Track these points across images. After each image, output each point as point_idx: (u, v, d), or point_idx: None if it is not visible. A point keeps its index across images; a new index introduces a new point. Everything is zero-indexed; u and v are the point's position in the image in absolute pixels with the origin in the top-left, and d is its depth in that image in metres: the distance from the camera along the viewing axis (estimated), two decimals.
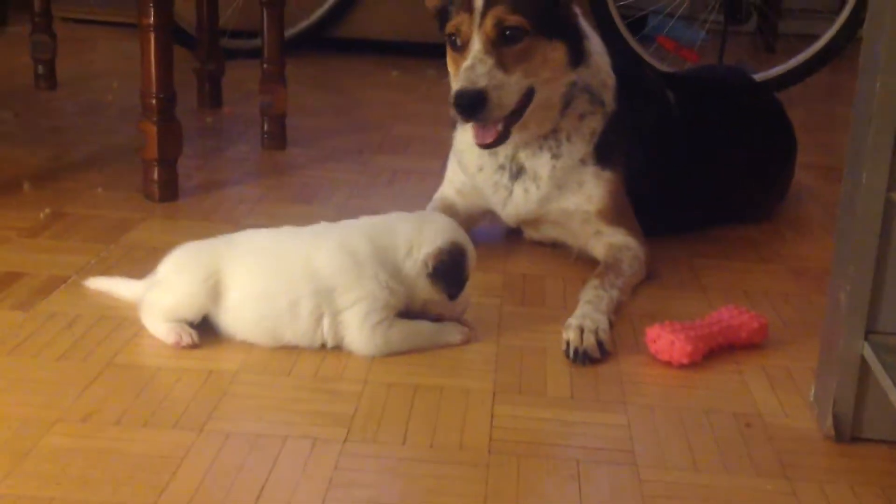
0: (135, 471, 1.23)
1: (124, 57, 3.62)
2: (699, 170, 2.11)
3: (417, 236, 1.57)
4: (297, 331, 1.54)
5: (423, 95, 3.52)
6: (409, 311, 1.59)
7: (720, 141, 2.17)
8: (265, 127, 2.70)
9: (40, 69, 3.24)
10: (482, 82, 1.75)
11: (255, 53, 2.78)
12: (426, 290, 1.57)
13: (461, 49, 1.81)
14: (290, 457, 1.27)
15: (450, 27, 1.83)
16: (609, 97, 1.94)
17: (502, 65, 1.77)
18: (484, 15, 1.78)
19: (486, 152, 1.93)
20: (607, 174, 1.93)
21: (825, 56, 3.50)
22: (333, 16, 4.08)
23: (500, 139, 1.81)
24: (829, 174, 2.67)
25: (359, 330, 1.53)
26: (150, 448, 1.28)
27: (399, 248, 1.56)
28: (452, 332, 1.60)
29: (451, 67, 1.86)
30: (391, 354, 1.55)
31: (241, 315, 1.55)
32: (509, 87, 1.78)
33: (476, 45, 1.77)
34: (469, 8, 1.79)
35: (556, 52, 1.83)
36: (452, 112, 1.79)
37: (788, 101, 2.54)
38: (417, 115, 3.20)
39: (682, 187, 2.08)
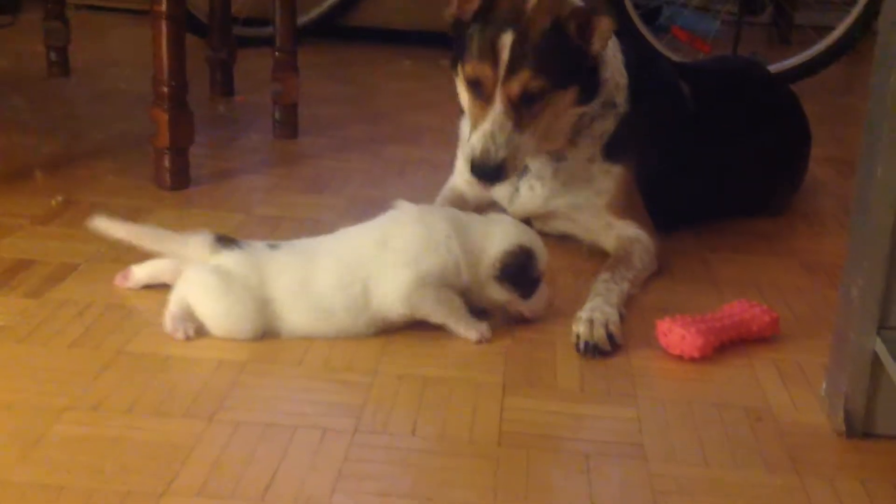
0: (145, 459, 1.23)
1: (137, 45, 3.61)
2: (712, 163, 2.10)
3: (485, 238, 1.59)
4: (364, 317, 1.55)
5: (436, 85, 3.51)
6: (480, 307, 1.62)
7: (733, 133, 2.16)
8: (277, 116, 2.70)
9: (53, 56, 3.24)
10: (501, 154, 1.75)
11: (268, 42, 2.78)
12: (497, 291, 1.59)
13: (479, 95, 1.79)
14: (300, 447, 1.28)
15: (469, 70, 1.80)
16: (622, 98, 1.93)
17: (519, 126, 1.76)
18: (509, 75, 1.75)
19: None
20: (617, 169, 1.92)
21: (840, 48, 3.48)
22: (346, 4, 4.07)
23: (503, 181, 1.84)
24: (844, 168, 2.65)
25: (403, 283, 1.53)
26: (161, 437, 1.28)
27: (476, 243, 1.59)
28: (473, 328, 1.59)
29: (462, 95, 1.86)
30: (415, 316, 1.56)
31: (316, 310, 1.55)
32: (524, 147, 1.79)
33: (498, 106, 1.75)
34: (494, 61, 1.76)
35: (568, 99, 1.83)
36: (467, 162, 1.80)
37: (803, 93, 2.53)
38: (429, 105, 3.19)
39: (695, 180, 2.07)
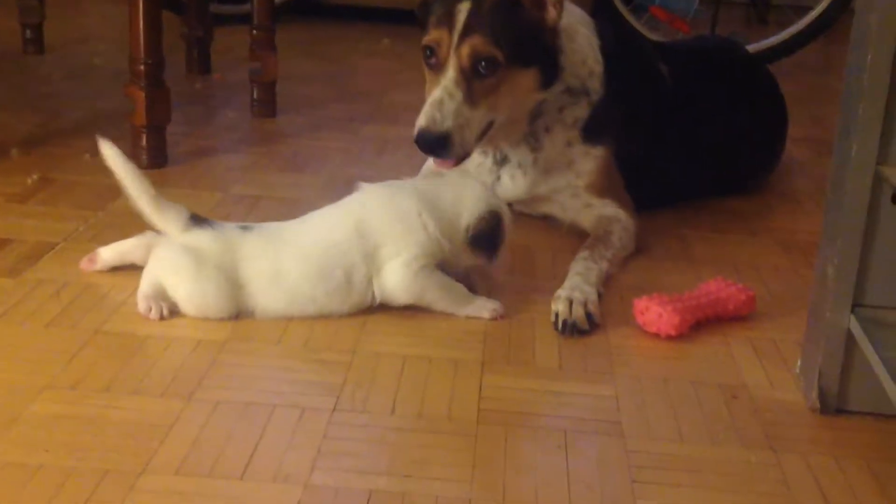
0: (123, 438, 1.23)
1: (113, 22, 3.59)
2: (690, 142, 2.11)
3: (456, 205, 1.60)
4: (353, 300, 1.56)
5: (415, 63, 3.49)
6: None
7: (711, 113, 2.17)
8: (255, 94, 2.69)
9: (28, 33, 3.21)
10: (447, 124, 1.72)
11: (245, 19, 2.76)
12: (468, 255, 1.61)
13: (434, 66, 1.78)
14: (279, 425, 1.28)
15: (427, 40, 1.79)
16: (595, 84, 1.92)
17: (470, 99, 1.74)
18: (462, 39, 1.74)
19: None
20: (596, 150, 1.92)
21: (818, 28, 3.49)
22: None
23: (460, 162, 1.80)
24: (820, 147, 2.67)
25: (401, 274, 1.55)
26: (139, 416, 1.28)
27: (447, 211, 1.59)
28: (484, 306, 1.60)
29: (426, 78, 1.83)
30: (421, 307, 1.57)
31: (294, 299, 1.54)
32: (473, 124, 1.76)
33: (450, 72, 1.74)
34: (449, 24, 1.75)
35: (526, 80, 1.81)
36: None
37: (780, 72, 2.54)
38: (408, 84, 3.18)
39: (673, 160, 2.08)
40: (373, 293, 1.57)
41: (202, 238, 1.55)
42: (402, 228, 1.56)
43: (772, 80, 2.38)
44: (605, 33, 1.97)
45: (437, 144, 1.73)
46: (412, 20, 3.88)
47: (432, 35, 1.78)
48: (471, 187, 1.64)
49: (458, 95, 1.74)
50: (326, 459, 1.22)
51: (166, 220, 1.56)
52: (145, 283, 1.54)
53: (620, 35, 2.07)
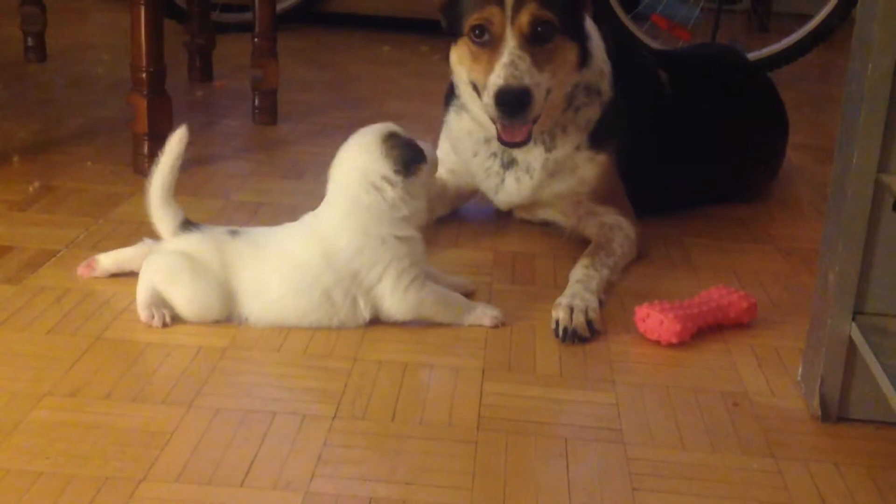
0: (124, 445, 1.23)
1: (115, 30, 3.59)
2: (690, 150, 2.11)
3: (367, 164, 1.55)
4: (340, 317, 1.55)
5: (415, 71, 3.51)
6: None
7: (712, 121, 2.17)
8: (256, 102, 2.69)
9: (30, 41, 3.21)
10: (526, 80, 1.71)
11: (247, 27, 2.76)
12: (412, 190, 1.56)
13: (488, 44, 1.76)
14: (279, 433, 1.28)
15: (474, 20, 1.77)
16: (606, 85, 1.92)
17: (536, 63, 1.74)
18: (517, 10, 1.74)
19: (481, 139, 1.92)
20: (600, 157, 1.92)
21: (818, 36, 3.49)
22: None
23: (528, 139, 1.78)
24: (820, 155, 2.67)
25: (392, 295, 1.55)
26: (140, 423, 1.28)
27: (364, 195, 1.54)
28: (485, 314, 1.61)
29: (465, 62, 1.81)
30: (423, 321, 1.57)
31: (283, 312, 1.54)
32: (542, 87, 1.75)
33: (511, 41, 1.73)
34: (499, 2, 1.75)
35: (572, 54, 1.82)
36: (490, 110, 1.73)
37: (781, 80, 2.54)
38: (409, 91, 3.19)
39: (673, 167, 2.08)
40: (361, 311, 1.56)
41: (190, 242, 1.55)
42: (367, 252, 1.54)
43: (772, 88, 2.38)
44: (607, 38, 1.98)
45: (520, 100, 1.70)
46: (412, 28, 3.88)
47: (483, 13, 1.76)
48: (361, 136, 1.58)
49: (527, 58, 1.73)
50: (327, 466, 1.21)
51: (161, 219, 1.57)
52: (143, 292, 1.54)
53: (620, 42, 2.07)
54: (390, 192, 1.54)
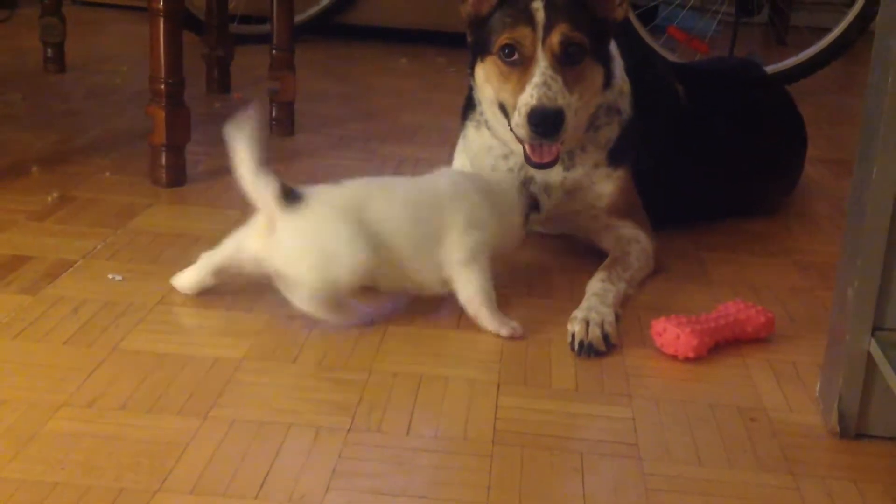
0: (139, 456, 1.23)
1: (133, 41, 3.62)
2: (707, 163, 2.11)
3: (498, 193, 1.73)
4: (436, 279, 1.63)
5: (432, 83, 3.51)
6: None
7: (729, 134, 2.16)
8: (273, 113, 2.70)
9: (49, 52, 3.23)
10: (559, 101, 1.70)
11: (265, 39, 2.78)
12: (517, 229, 1.76)
13: (517, 64, 1.75)
14: (294, 445, 1.28)
15: (505, 38, 1.76)
16: (626, 104, 1.92)
17: (566, 84, 1.73)
18: (549, 30, 1.73)
19: (500, 155, 1.91)
20: (619, 172, 1.91)
21: (837, 49, 3.48)
22: (343, 2, 4.07)
23: (556, 160, 1.77)
24: (839, 168, 2.65)
25: (469, 248, 1.62)
26: (155, 434, 1.28)
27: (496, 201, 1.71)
28: (505, 322, 1.61)
29: (493, 81, 1.79)
30: (454, 295, 1.63)
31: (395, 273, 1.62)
32: (572, 109, 1.74)
33: (542, 61, 1.72)
34: (530, 21, 1.74)
35: (599, 76, 1.81)
36: (521, 131, 1.72)
37: (799, 93, 2.53)
38: (425, 103, 3.19)
39: (690, 180, 2.07)
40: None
41: (334, 196, 1.61)
42: (479, 213, 1.65)
43: (789, 101, 2.37)
44: (624, 54, 1.97)
45: (553, 121, 1.70)
46: (430, 41, 3.88)
47: (514, 32, 1.75)
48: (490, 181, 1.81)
49: (559, 79, 1.72)
50: (341, 480, 1.21)
51: (260, 197, 1.60)
52: (313, 293, 1.54)
53: (637, 55, 2.07)
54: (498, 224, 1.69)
